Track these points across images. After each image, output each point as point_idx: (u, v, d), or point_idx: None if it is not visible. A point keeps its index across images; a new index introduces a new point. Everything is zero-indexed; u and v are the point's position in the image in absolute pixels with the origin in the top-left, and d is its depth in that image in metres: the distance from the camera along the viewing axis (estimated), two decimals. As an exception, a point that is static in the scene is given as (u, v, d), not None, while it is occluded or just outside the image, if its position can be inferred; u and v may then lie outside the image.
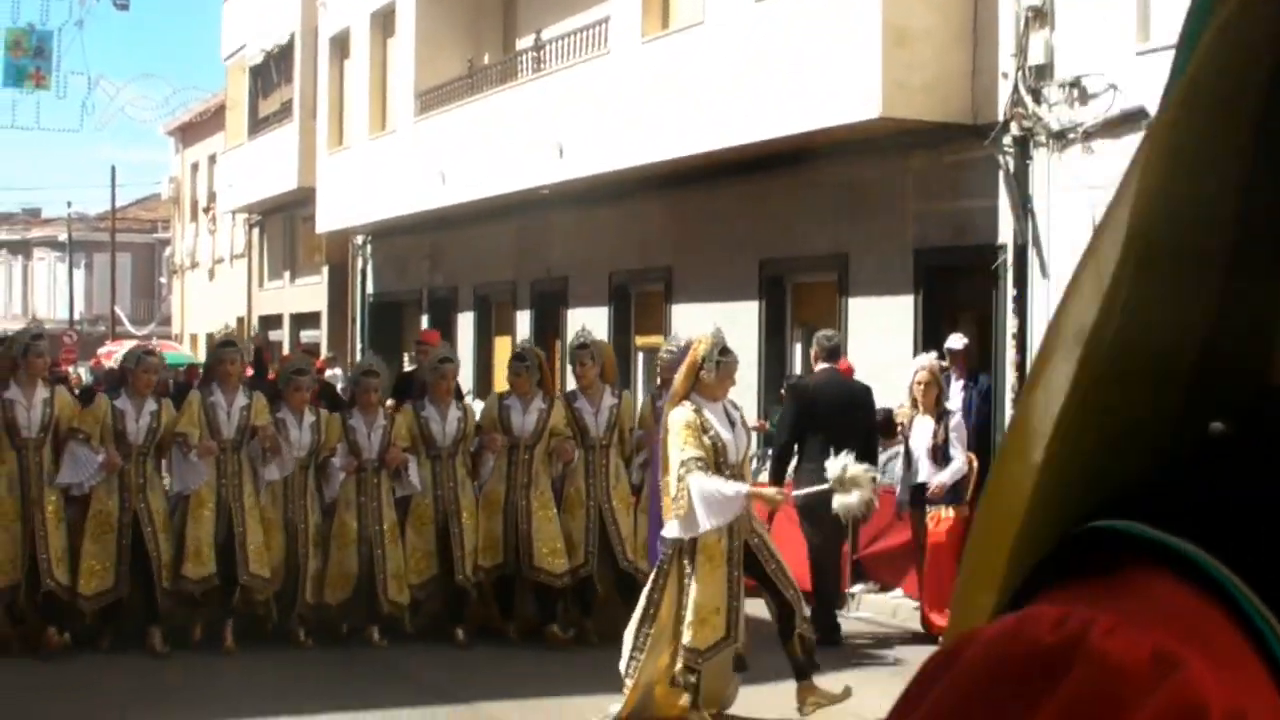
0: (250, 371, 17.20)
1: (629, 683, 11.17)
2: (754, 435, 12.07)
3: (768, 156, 21.59)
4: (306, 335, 41.47)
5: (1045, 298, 17.98)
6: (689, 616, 10.93)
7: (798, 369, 22.33)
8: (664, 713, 11.24)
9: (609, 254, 26.71)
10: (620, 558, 14.44)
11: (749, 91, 20.92)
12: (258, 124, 42.46)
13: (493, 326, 31.29)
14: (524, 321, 29.68)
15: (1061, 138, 17.72)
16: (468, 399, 16.69)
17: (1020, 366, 18.16)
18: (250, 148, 42.58)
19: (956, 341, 18.09)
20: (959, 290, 19.92)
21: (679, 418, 11.06)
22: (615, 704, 11.32)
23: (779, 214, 22.38)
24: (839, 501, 11.52)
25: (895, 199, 20.28)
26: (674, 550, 11.05)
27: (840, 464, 11.39)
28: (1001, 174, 18.48)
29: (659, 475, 11.47)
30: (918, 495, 15.16)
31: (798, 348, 22.97)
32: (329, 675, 13.01)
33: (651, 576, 11.36)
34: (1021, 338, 18.16)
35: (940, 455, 14.99)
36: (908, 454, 15.21)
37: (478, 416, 15.10)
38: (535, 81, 26.89)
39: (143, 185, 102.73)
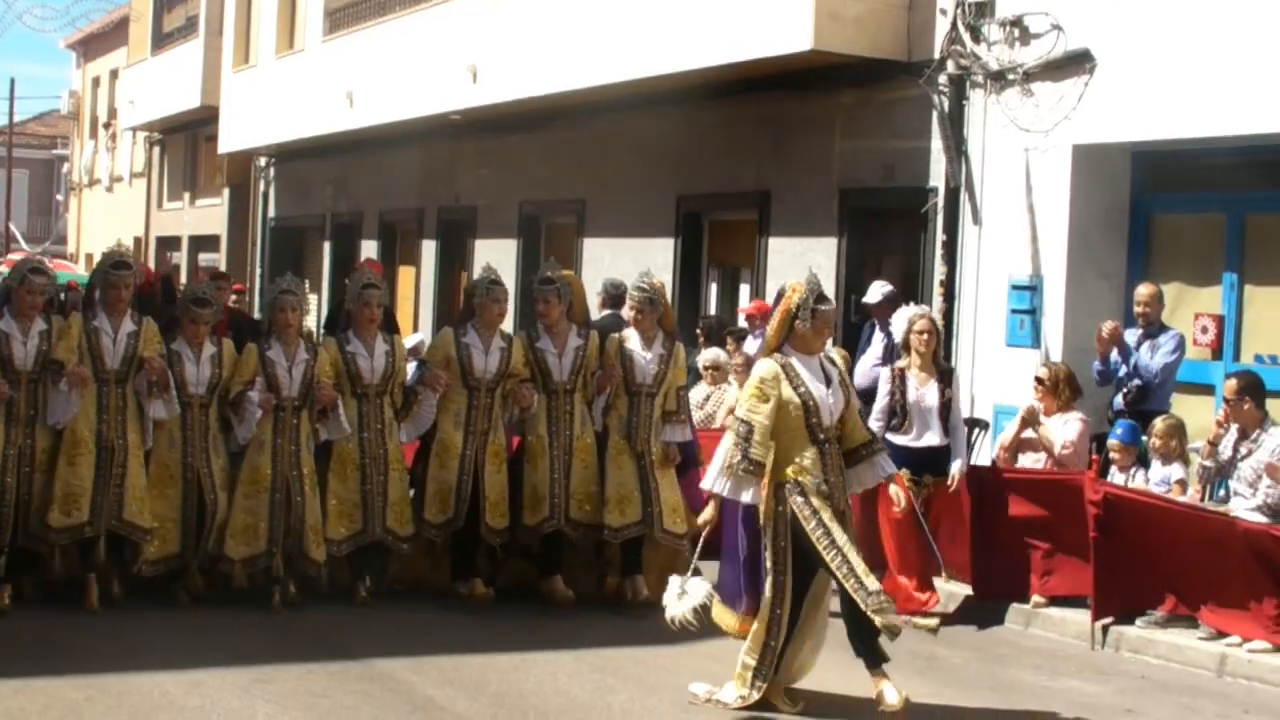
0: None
1: (760, 682, 10.17)
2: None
3: (691, 88, 20.80)
4: (205, 258, 40.67)
5: (975, 244, 17.41)
6: (857, 565, 9.93)
7: (713, 310, 21.71)
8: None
9: (520, 184, 25.97)
10: (576, 513, 13.32)
11: (674, 19, 20.13)
12: (162, 39, 41.29)
13: (397, 256, 30.40)
14: (429, 251, 29.01)
15: (1000, 78, 17.00)
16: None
17: (947, 315, 17.50)
18: (153, 64, 41.39)
19: (879, 290, 17.43)
20: (886, 233, 19.25)
21: (758, 371, 10.26)
22: (701, 685, 10.45)
23: (699, 149, 21.68)
24: (666, 601, 10.52)
25: (822, 137, 19.59)
26: (785, 525, 10.02)
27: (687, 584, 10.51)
28: (935, 114, 17.76)
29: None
30: (920, 460, 13.53)
31: (714, 288, 22.34)
32: (221, 632, 11.94)
33: (771, 560, 10.10)
34: (950, 285, 17.52)
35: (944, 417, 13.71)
36: (903, 412, 13.57)
37: (408, 345, 14.03)
38: (449, 2, 25.88)
39: (42, 100, 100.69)
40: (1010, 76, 16.84)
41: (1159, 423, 13.75)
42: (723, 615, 10.52)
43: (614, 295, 16.79)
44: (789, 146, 20.14)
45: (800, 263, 19.60)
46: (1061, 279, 16.47)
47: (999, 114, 17.02)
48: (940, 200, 17.76)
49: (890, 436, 13.47)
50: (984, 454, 15.99)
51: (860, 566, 9.89)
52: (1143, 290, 15.00)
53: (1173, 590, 12.81)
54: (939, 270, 17.66)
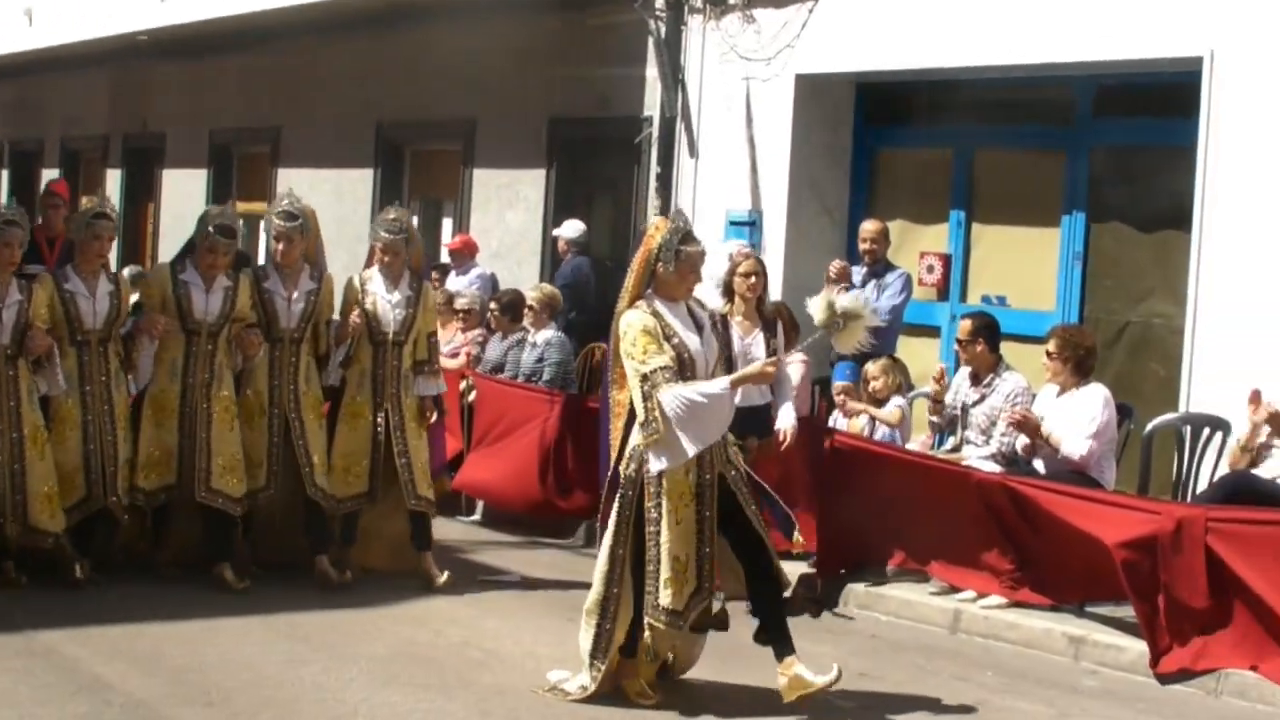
0: None
1: (598, 664, 9.06)
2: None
3: (393, 10, 19.91)
4: None
5: (692, 177, 16.75)
6: (663, 572, 8.88)
7: (415, 244, 20.78)
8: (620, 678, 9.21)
9: (211, 111, 24.83)
10: (308, 481, 11.67)
11: (376, -64, 19.16)
12: None
13: (80, 185, 28.90)
14: (115, 181, 27.71)
15: (720, 4, 16.30)
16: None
17: (661, 252, 16.75)
18: None
19: (570, 229, 16.94)
20: (598, 165, 18.52)
21: (634, 322, 8.93)
22: (559, 672, 9.29)
23: (402, 75, 20.73)
24: (844, 342, 9.54)
25: (532, 64, 18.74)
26: (632, 493, 8.97)
27: (826, 301, 9.31)
28: (651, 41, 16.92)
29: (608, 394, 9.28)
30: (743, 420, 10.80)
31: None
32: None
33: (611, 528, 9.09)
34: (665, 219, 16.75)
35: None
36: (729, 365, 10.56)
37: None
38: (135, -85, 24.62)
39: None
40: (731, 2, 16.19)
41: (871, 366, 13.07)
42: None
43: None
44: (497, 73, 19.22)
45: (507, 195, 19.02)
46: (782, 214, 15.87)
47: (719, 41, 16.30)
48: (655, 131, 17.00)
49: None
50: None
51: (667, 572, 8.92)
52: (868, 226, 14.39)
53: (902, 543, 12.13)
54: (654, 203, 16.95)
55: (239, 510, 11.68)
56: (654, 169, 17.00)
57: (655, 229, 9.21)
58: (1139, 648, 10.38)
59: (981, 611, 11.45)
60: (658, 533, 8.91)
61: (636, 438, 8.97)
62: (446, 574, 11.84)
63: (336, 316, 12.12)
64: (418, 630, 10.22)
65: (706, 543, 9.02)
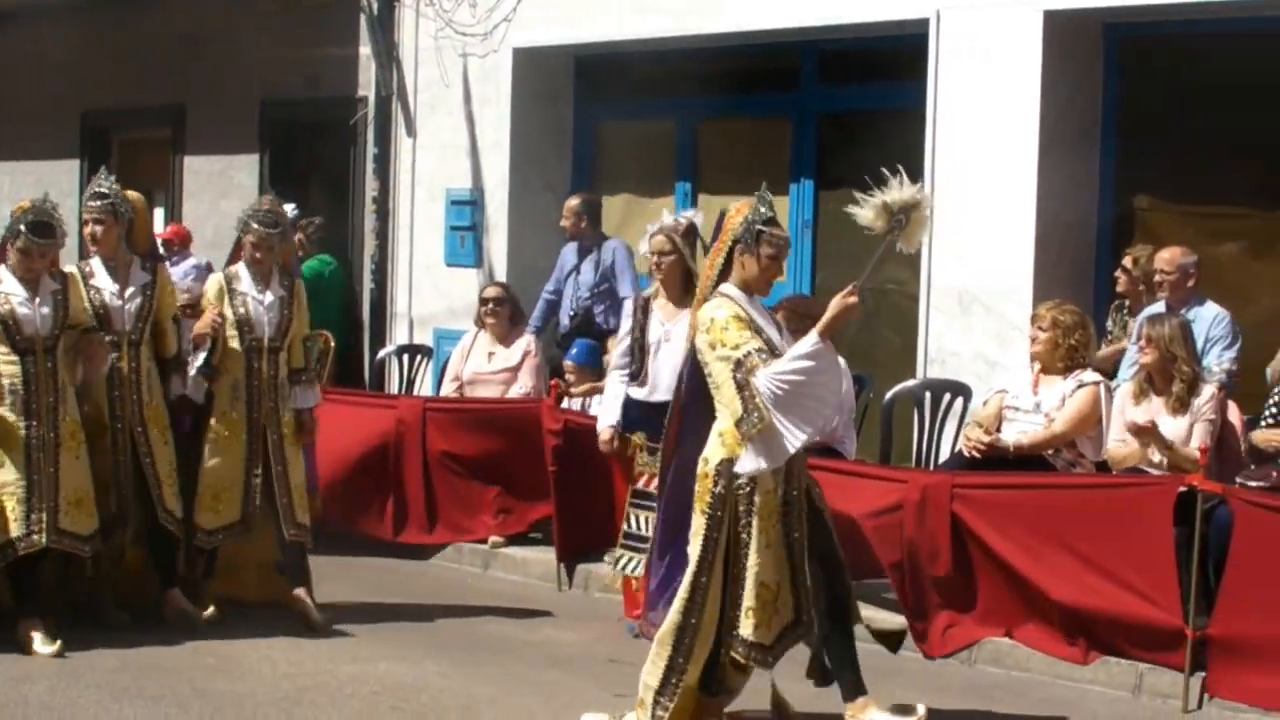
0: None
1: (664, 702, 7.92)
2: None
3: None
4: None
5: (410, 157, 16.42)
6: (746, 600, 7.82)
7: (124, 235, 20.14)
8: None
9: (-100, 106, 23.66)
10: (158, 506, 10.17)
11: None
12: None
13: None
14: None
15: (433, -22, 15.95)
16: None
17: (381, 234, 16.39)
18: None
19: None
20: (313, 148, 18.07)
21: (719, 313, 7.84)
22: (595, 716, 8.35)
23: (105, 60, 19.98)
24: (912, 238, 8.21)
25: (241, 45, 18.16)
26: (722, 513, 7.82)
27: (878, 203, 8.05)
28: (364, 18, 16.54)
29: (687, 396, 8.13)
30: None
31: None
32: None
33: (696, 553, 7.89)
34: (383, 201, 16.44)
35: None
36: (640, 355, 10.49)
37: None
38: None
39: None
40: (445, -24, 15.82)
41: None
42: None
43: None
44: (205, 57, 18.63)
45: (220, 182, 18.53)
46: (504, 192, 15.63)
47: (434, 17, 15.92)
48: (371, 111, 16.64)
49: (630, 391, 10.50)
50: (427, 385, 15.32)
51: (750, 601, 7.85)
52: (571, 202, 14.11)
53: (643, 527, 11.93)
54: (371, 186, 16.60)
55: (88, 550, 9.99)
56: (371, 150, 16.64)
57: (736, 211, 8.14)
58: (895, 620, 10.22)
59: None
60: (745, 555, 7.86)
61: (719, 452, 7.86)
62: (329, 614, 10.57)
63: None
64: (149, 638, 9.74)
65: (799, 569, 7.97)
